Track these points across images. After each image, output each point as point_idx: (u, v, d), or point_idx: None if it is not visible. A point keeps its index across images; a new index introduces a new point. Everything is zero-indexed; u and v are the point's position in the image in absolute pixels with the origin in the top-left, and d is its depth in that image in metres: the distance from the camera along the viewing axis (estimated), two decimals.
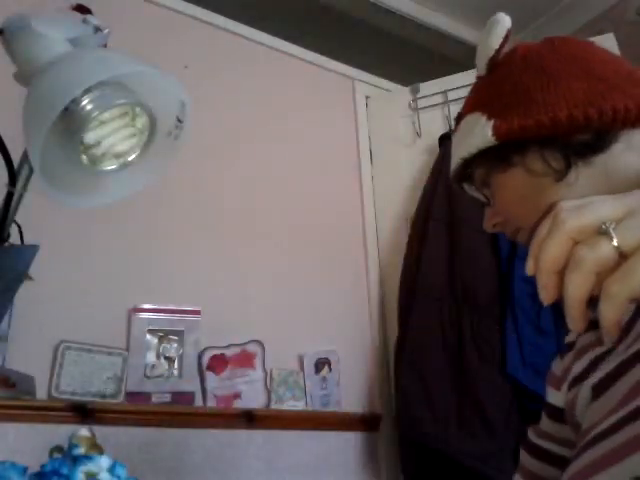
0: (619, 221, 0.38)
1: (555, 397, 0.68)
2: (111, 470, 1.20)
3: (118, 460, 1.18)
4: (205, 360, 1.67)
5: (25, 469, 1.11)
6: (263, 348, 1.77)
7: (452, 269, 1.78)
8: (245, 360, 1.74)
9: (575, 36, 0.75)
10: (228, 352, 1.71)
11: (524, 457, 0.71)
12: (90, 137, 0.80)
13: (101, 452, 1.19)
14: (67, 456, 1.15)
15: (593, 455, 0.46)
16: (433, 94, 2.21)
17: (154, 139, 0.86)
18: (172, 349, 1.63)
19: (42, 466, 1.08)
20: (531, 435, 0.72)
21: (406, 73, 2.49)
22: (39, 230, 1.16)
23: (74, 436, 1.20)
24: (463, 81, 2.17)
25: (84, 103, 0.76)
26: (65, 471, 1.07)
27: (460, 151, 0.71)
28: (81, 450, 1.17)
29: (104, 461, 1.21)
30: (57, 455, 1.15)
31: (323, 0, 2.38)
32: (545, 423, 0.70)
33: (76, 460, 1.14)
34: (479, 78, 0.75)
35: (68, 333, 1.50)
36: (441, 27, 2.65)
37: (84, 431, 1.22)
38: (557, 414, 0.67)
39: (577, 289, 0.38)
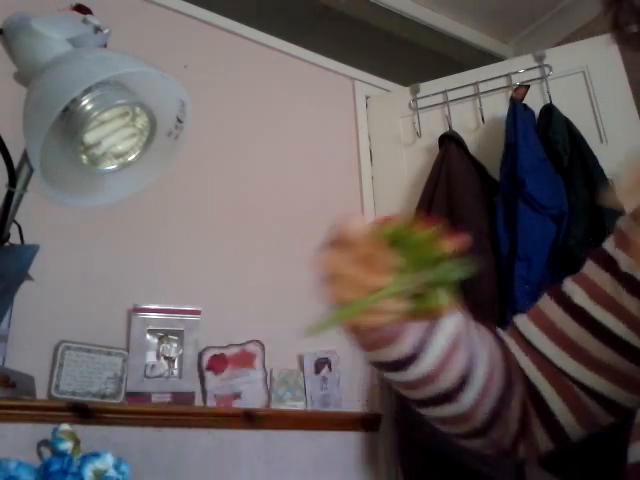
0: None
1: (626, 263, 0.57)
2: (116, 467, 1.21)
3: None
4: (205, 360, 1.67)
5: (34, 468, 1.12)
6: (263, 348, 1.77)
7: None
8: (245, 360, 1.74)
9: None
10: (228, 352, 1.71)
11: (550, 308, 0.61)
12: (90, 137, 0.80)
13: (79, 446, 1.21)
14: (72, 454, 1.16)
15: None
16: (433, 94, 2.21)
17: (154, 139, 0.86)
18: (172, 349, 1.63)
19: (47, 464, 1.08)
20: (571, 290, 0.60)
21: (406, 73, 2.49)
22: (39, 230, 1.16)
23: (59, 431, 1.21)
24: (463, 81, 2.17)
25: (84, 103, 0.76)
26: (74, 469, 1.07)
27: None
28: (67, 445, 1.19)
29: (110, 459, 1.22)
30: (45, 449, 1.16)
31: (323, 0, 2.38)
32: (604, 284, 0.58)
33: (84, 458, 1.15)
34: None
35: (68, 333, 1.50)
36: (441, 27, 2.65)
37: (66, 426, 1.23)
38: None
39: None
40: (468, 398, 0.55)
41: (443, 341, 0.53)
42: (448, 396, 0.54)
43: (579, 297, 0.59)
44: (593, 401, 0.57)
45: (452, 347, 0.54)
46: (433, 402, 0.56)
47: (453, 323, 0.55)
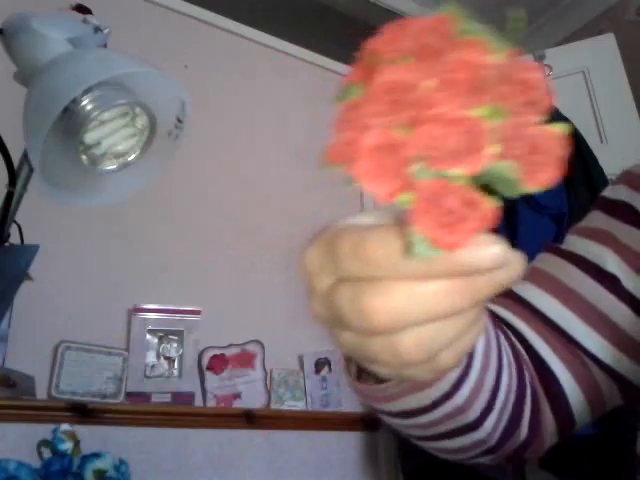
0: None
1: None
2: (116, 467, 1.22)
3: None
4: (205, 360, 1.67)
5: (34, 468, 1.12)
6: (263, 348, 1.77)
7: None
8: (245, 360, 1.74)
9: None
10: (228, 352, 1.71)
11: (569, 273, 0.51)
12: (90, 137, 0.80)
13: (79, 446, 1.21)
14: (72, 454, 1.16)
15: None
16: None
17: (154, 139, 0.86)
18: (172, 349, 1.63)
19: (47, 464, 1.09)
20: (597, 253, 0.51)
21: None
22: (39, 230, 1.16)
23: (59, 431, 1.21)
24: None
25: (84, 103, 0.76)
26: (74, 469, 1.08)
27: None
28: (68, 445, 1.19)
29: (110, 459, 1.22)
30: (45, 449, 1.16)
31: (323, 0, 2.38)
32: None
33: (84, 458, 1.15)
34: None
35: (68, 333, 1.50)
36: None
37: (66, 426, 1.24)
38: None
39: None
40: (491, 420, 0.45)
41: (478, 364, 0.41)
42: (473, 425, 0.44)
43: (612, 263, 0.50)
44: (609, 381, 0.50)
45: (483, 367, 0.42)
46: (454, 434, 0.45)
47: (484, 336, 0.42)
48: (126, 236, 1.69)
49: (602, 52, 1.99)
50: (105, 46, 0.85)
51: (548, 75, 2.02)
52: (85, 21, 0.84)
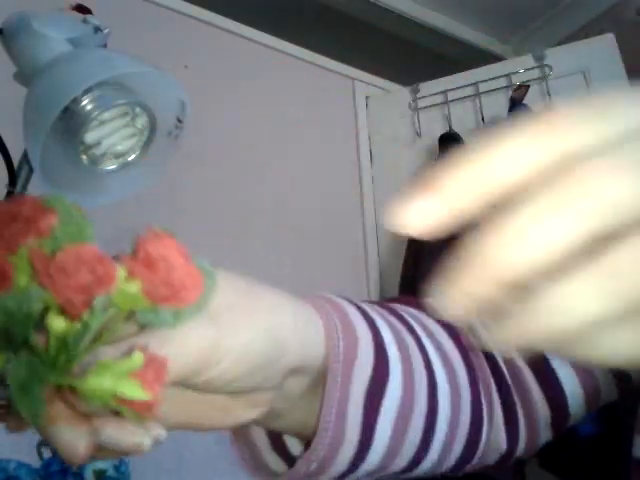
0: None
1: None
2: (116, 467, 1.22)
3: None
4: None
5: (34, 468, 1.12)
6: None
7: None
8: None
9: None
10: None
11: None
12: (90, 137, 0.80)
13: None
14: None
15: None
16: (433, 94, 2.21)
17: (154, 139, 0.86)
18: None
19: (47, 464, 1.08)
20: None
21: (406, 73, 2.48)
22: None
23: None
24: (463, 81, 2.17)
25: (84, 103, 0.76)
26: (74, 469, 1.07)
27: None
28: None
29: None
30: (45, 449, 1.16)
31: (323, 0, 2.38)
32: None
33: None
34: None
35: None
36: (441, 27, 2.65)
37: None
38: None
39: None
40: (431, 459, 0.42)
41: (391, 417, 0.38)
42: (411, 465, 0.42)
43: None
44: (607, 373, 0.49)
45: (401, 417, 0.39)
46: (397, 475, 0.43)
47: (398, 381, 0.39)
48: (126, 236, 1.69)
49: (602, 52, 1.99)
50: (105, 46, 0.85)
51: (548, 75, 2.02)
52: (85, 21, 0.84)
